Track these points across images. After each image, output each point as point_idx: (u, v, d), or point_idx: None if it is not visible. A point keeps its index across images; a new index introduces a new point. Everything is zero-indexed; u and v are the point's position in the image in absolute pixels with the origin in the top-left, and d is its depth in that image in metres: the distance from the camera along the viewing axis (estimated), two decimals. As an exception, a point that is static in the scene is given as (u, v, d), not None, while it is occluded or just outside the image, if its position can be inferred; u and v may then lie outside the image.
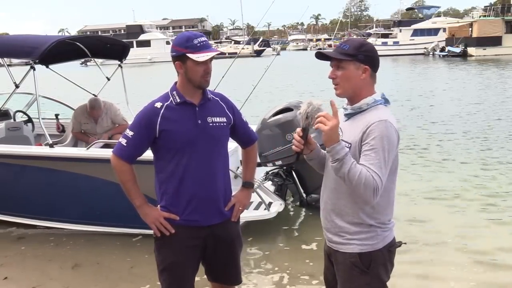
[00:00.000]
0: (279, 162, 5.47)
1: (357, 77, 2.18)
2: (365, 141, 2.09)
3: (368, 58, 2.18)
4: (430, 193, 6.53)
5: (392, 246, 2.28)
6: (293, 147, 2.21)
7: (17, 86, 5.67)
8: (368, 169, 2.04)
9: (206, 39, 2.51)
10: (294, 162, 5.24)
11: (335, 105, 2.10)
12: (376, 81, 2.26)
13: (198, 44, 2.45)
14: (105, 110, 6.18)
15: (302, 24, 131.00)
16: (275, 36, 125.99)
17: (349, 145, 2.16)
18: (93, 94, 6.68)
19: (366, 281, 2.23)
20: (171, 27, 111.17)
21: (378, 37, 57.83)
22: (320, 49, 76.87)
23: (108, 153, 2.73)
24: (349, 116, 2.25)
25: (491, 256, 4.60)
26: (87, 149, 4.98)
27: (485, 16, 49.72)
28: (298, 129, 2.20)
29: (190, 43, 2.44)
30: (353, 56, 2.17)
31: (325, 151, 2.17)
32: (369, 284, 2.23)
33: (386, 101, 2.25)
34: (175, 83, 2.59)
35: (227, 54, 46.59)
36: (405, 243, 2.39)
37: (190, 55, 2.44)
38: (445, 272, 4.28)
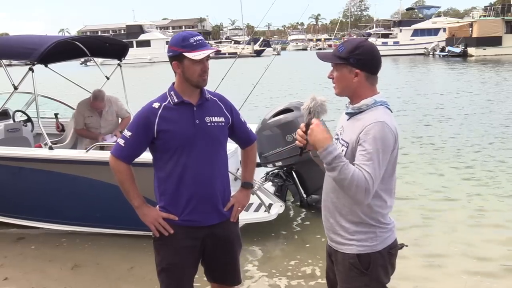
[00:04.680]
0: (279, 163, 5.47)
1: (350, 80, 2.19)
2: (361, 141, 2.10)
3: (360, 62, 2.16)
4: (435, 195, 6.44)
5: (393, 248, 2.27)
6: (297, 142, 2.23)
7: (15, 88, 5.65)
8: (360, 169, 2.05)
9: (202, 37, 2.52)
10: (297, 158, 5.19)
11: None
12: (377, 82, 2.24)
13: (195, 43, 2.45)
14: (109, 103, 6.11)
15: (302, 24, 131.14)
16: (275, 36, 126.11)
17: (347, 145, 2.18)
18: (93, 94, 6.65)
19: (365, 282, 2.22)
20: (171, 27, 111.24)
21: (378, 37, 57.79)
22: (320, 49, 76.96)
23: (107, 155, 2.72)
24: (349, 115, 2.26)
25: (494, 260, 4.57)
26: (87, 151, 4.96)
27: (485, 16, 49.75)
28: (302, 124, 2.22)
29: (187, 42, 2.44)
30: (345, 60, 2.17)
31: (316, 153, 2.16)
32: (368, 286, 2.23)
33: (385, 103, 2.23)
34: (173, 83, 2.59)
35: (227, 54, 46.62)
36: (406, 246, 2.37)
37: (187, 54, 2.44)
38: (444, 276, 4.26)
